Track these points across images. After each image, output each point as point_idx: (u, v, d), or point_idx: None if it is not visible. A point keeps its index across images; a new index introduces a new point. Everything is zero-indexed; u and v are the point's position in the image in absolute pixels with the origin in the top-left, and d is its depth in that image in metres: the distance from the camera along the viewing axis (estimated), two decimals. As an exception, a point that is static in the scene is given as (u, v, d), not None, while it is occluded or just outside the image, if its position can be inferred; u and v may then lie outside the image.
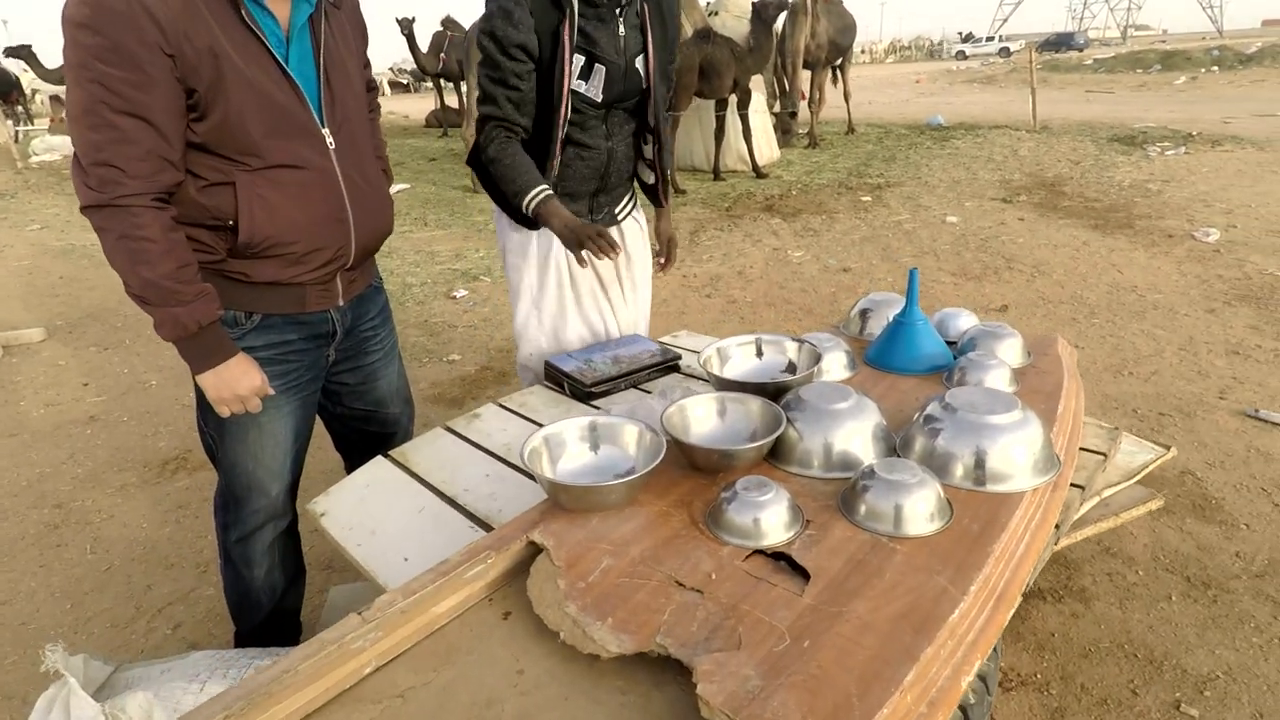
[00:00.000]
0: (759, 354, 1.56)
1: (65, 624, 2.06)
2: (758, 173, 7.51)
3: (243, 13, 1.18)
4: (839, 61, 9.91)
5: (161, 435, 3.07)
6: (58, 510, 2.60)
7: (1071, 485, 1.28)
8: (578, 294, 1.89)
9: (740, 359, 1.56)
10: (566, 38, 1.51)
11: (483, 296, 4.50)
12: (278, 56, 1.23)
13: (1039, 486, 1.14)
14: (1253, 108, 10.97)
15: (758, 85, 8.63)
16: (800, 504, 1.12)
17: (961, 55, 40.65)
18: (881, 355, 1.63)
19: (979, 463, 1.14)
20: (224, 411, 1.35)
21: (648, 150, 1.80)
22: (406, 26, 11.22)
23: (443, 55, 11.04)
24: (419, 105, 22.55)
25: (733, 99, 7.32)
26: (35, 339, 4.28)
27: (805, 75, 9.35)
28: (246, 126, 1.21)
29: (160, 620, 2.08)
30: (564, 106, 1.57)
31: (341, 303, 1.47)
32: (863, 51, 47.50)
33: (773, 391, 1.37)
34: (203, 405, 1.43)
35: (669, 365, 1.84)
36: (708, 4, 9.77)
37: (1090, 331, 3.41)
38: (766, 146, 8.34)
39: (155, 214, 1.18)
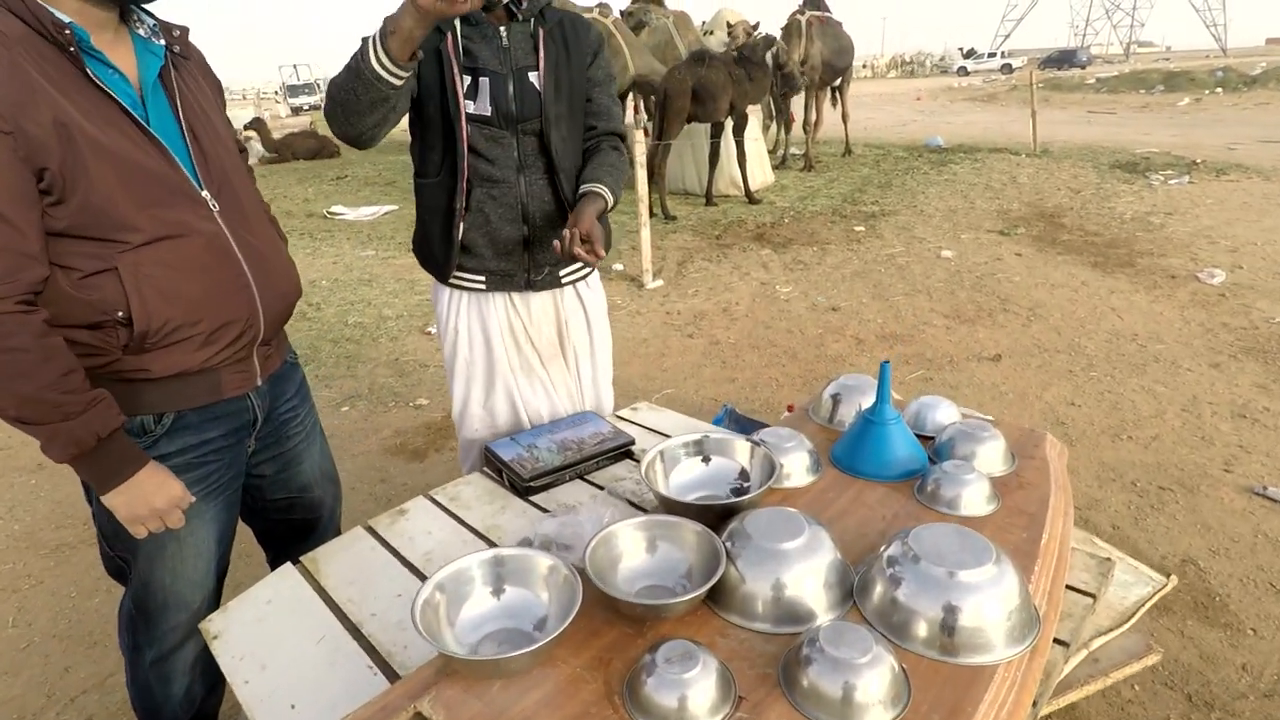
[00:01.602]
0: (705, 460, 1.40)
1: (-37, 720, 1.90)
2: (750, 199, 7.38)
3: (88, 73, 1.04)
4: (837, 82, 9.81)
5: (105, 489, 2.91)
6: (-17, 575, 2.44)
7: (1055, 642, 1.11)
8: (519, 366, 1.74)
9: (687, 465, 1.40)
10: (451, 54, 1.44)
11: (459, 332, 4.35)
12: (136, 117, 1.09)
13: (1015, 658, 0.98)
14: (1257, 133, 10.84)
15: (753, 109, 8.53)
16: (734, 671, 0.96)
17: (964, 71, 40.62)
18: (849, 456, 1.47)
19: (945, 627, 0.98)
20: (140, 532, 1.20)
21: (570, 199, 1.56)
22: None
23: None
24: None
25: (729, 123, 7.20)
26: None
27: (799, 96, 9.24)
28: (116, 200, 1.06)
29: (72, 712, 1.91)
30: (460, 129, 1.47)
31: (260, 382, 1.34)
32: (864, 66, 47.58)
33: (719, 514, 1.21)
34: (107, 527, 1.27)
35: (619, 452, 1.69)
36: (703, 23, 9.69)
37: (1088, 386, 3.25)
38: (760, 171, 8.22)
39: (22, 319, 1.02)
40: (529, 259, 1.62)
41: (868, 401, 1.62)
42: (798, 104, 9.42)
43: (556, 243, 1.43)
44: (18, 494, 2.91)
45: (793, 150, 9.97)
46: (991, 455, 1.43)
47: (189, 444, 1.26)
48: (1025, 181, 7.74)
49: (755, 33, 7.68)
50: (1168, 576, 1.43)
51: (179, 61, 1.22)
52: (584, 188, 1.55)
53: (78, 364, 1.08)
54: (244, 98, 36.84)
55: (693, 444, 1.42)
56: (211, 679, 1.50)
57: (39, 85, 0.99)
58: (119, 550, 1.31)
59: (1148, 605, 1.35)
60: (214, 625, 1.31)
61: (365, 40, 1.30)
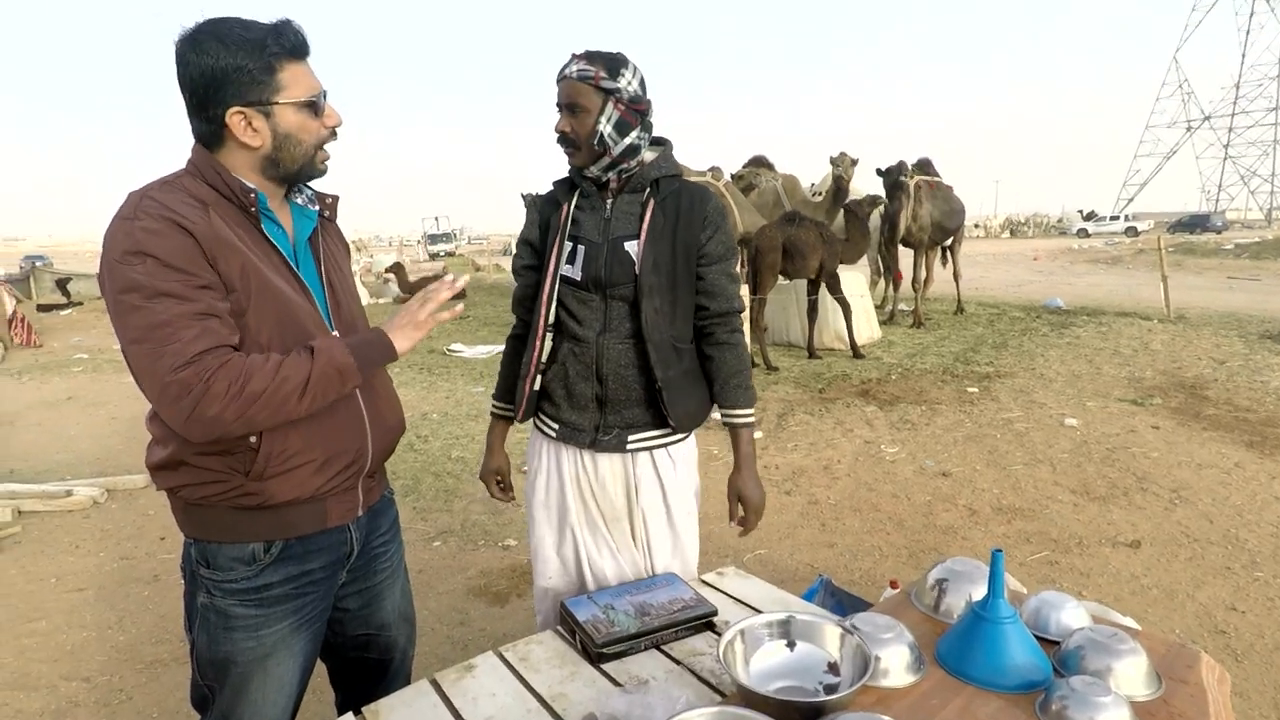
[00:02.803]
0: (790, 645, 1.28)
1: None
2: (856, 353, 7.30)
3: (261, 229, 1.25)
4: (948, 242, 9.83)
5: (206, 606, 3.02)
6: (84, 685, 2.53)
7: None
8: (585, 522, 1.71)
9: (771, 649, 1.28)
10: (560, 223, 1.60)
11: (554, 473, 4.39)
12: (291, 265, 1.28)
13: None
14: None
15: (859, 265, 8.65)
16: None
17: (1084, 233, 39.85)
18: (957, 657, 1.30)
19: None
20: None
21: (657, 369, 1.58)
22: (530, 201, 12.31)
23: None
24: (541, 266, 24.23)
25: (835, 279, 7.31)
26: (139, 484, 4.51)
27: (908, 254, 9.31)
28: (269, 330, 1.21)
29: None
30: (548, 287, 1.60)
31: (361, 513, 1.40)
32: (976, 226, 47.67)
33: (804, 714, 1.09)
34: (203, 655, 1.32)
35: (700, 622, 1.58)
36: (811, 185, 10.14)
37: (1252, 589, 2.81)
38: (867, 325, 8.17)
39: (246, 358, 1.16)
40: (601, 417, 1.64)
41: (978, 590, 1.46)
42: (907, 261, 9.46)
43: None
44: (130, 604, 3.06)
45: (901, 306, 9.90)
46: (1131, 673, 1.23)
47: (291, 574, 1.31)
48: (1159, 349, 7.25)
49: (855, 166, 8.02)
50: None
51: (324, 224, 1.42)
52: (724, 416, 1.69)
53: (288, 356, 1.18)
54: (389, 245, 41.27)
55: (777, 624, 1.31)
56: None
57: (229, 237, 1.18)
58: (208, 680, 1.34)
59: None
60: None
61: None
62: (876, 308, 9.19)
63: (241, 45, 1.17)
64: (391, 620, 1.57)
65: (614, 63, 1.49)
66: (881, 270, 10.43)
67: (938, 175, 9.59)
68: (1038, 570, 3.03)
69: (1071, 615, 1.41)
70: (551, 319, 1.62)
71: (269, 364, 1.15)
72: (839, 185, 8.21)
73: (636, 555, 1.71)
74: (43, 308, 14.26)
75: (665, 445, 1.68)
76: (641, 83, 1.53)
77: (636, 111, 1.52)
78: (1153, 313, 9.39)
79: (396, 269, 15.20)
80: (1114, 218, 44.36)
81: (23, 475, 4.73)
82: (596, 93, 1.48)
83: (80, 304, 14.96)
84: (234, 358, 1.13)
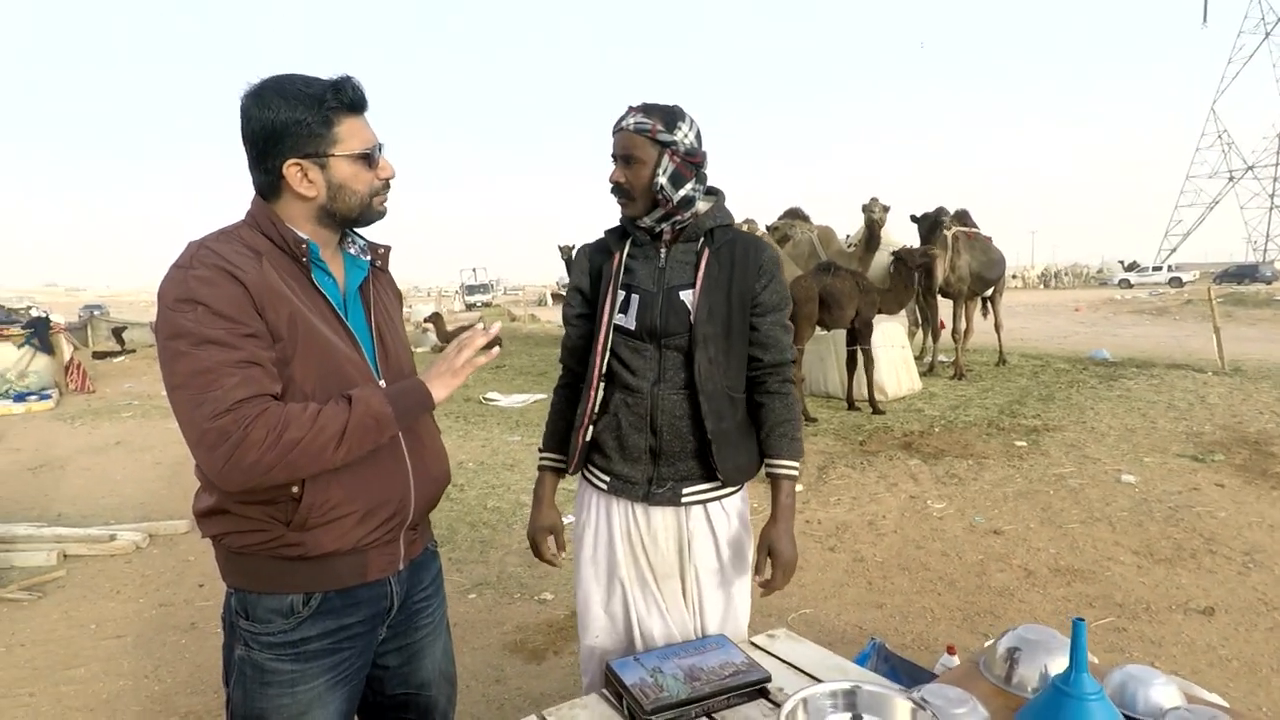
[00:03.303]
0: (857, 718, 1.20)
1: None
2: (875, 409, 7.07)
3: (311, 278, 1.25)
4: (989, 292, 9.69)
5: (242, 657, 2.99)
6: (117, 736, 2.50)
7: None
8: (635, 579, 1.64)
9: (835, 722, 1.20)
10: (612, 272, 1.59)
11: (591, 525, 4.33)
12: (340, 315, 1.29)
13: None
14: None
15: (898, 316, 8.55)
16: None
17: (1126, 284, 39.06)
18: (1037, 736, 1.20)
19: None
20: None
21: (708, 420, 1.54)
22: (567, 253, 12.52)
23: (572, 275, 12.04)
24: (575, 316, 24.49)
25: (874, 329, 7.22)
26: (180, 530, 4.55)
27: (946, 304, 9.19)
28: (314, 380, 1.21)
29: None
30: (602, 336, 1.58)
31: (402, 567, 1.38)
32: (1014, 276, 47.06)
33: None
34: (236, 710, 1.30)
35: (754, 689, 1.50)
36: (847, 237, 10.13)
37: (1343, 661, 2.61)
38: (907, 376, 8.03)
39: (286, 406, 1.15)
40: (654, 470, 1.60)
41: (1055, 662, 1.37)
42: (946, 312, 9.33)
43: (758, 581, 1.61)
44: (167, 653, 3.04)
45: (940, 357, 9.72)
46: (1236, 760, 1.12)
47: (329, 628, 1.28)
48: (1216, 402, 6.97)
49: (888, 213, 7.92)
50: None
51: (376, 274, 1.42)
52: (767, 465, 1.63)
53: (326, 405, 1.18)
54: (428, 295, 42.22)
55: (842, 695, 1.24)
56: None
57: (279, 287, 1.19)
58: None
59: None
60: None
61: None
62: (915, 359, 9.03)
63: (301, 100, 1.20)
64: (432, 679, 1.52)
65: (671, 115, 1.50)
66: (920, 321, 10.30)
67: (975, 226, 9.52)
68: (1104, 638, 2.85)
69: (1161, 693, 1.30)
70: (604, 368, 1.60)
71: (307, 412, 1.15)
72: (871, 231, 8.16)
73: (686, 615, 1.64)
74: (98, 355, 14.79)
75: (719, 499, 1.63)
76: (698, 135, 1.53)
77: (692, 164, 1.52)
78: (1206, 365, 9.06)
79: (435, 319, 15.49)
80: (1157, 268, 43.47)
81: (69, 519, 4.82)
82: (653, 145, 1.49)
83: (133, 351, 15.50)
84: (272, 406, 1.13)
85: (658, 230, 1.57)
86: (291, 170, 1.22)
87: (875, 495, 4.68)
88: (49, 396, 9.89)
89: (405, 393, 1.27)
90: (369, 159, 1.28)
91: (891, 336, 7.96)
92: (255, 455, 1.10)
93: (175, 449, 6.73)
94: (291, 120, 1.20)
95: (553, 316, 26.87)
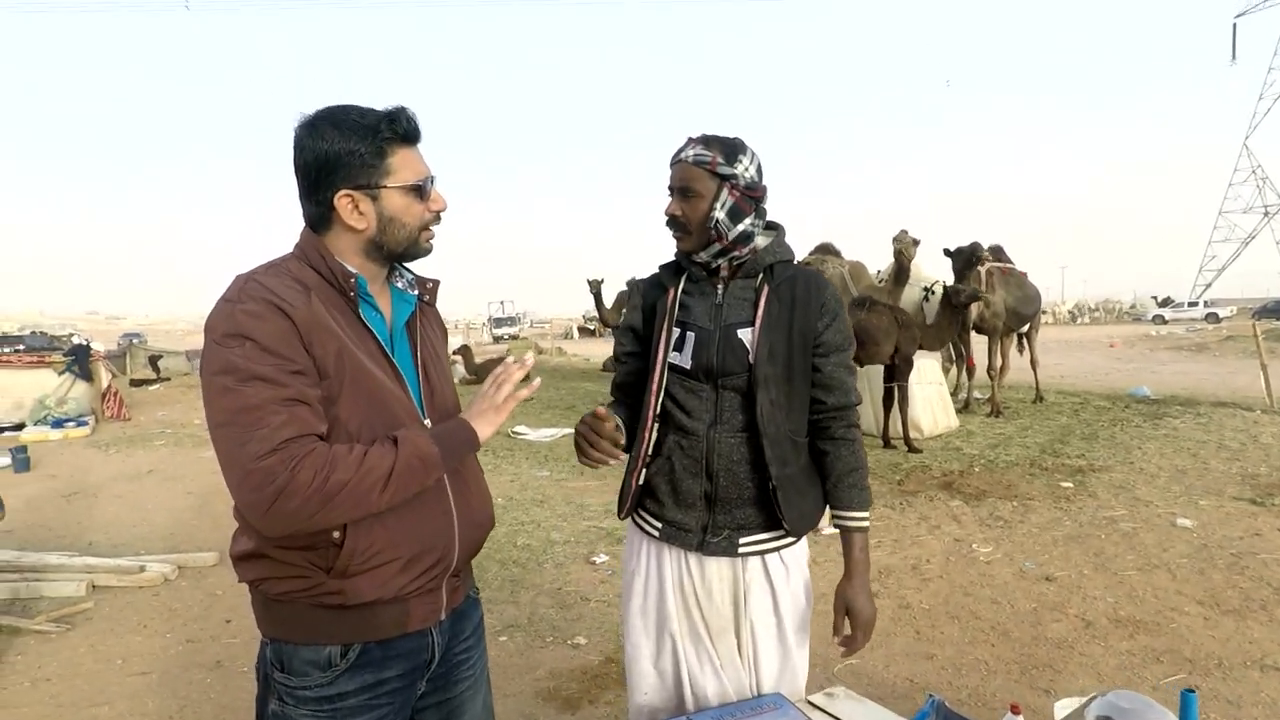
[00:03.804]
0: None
1: None
2: (910, 447, 6.88)
3: (358, 313, 1.21)
4: (1024, 329, 9.50)
5: (268, 698, 2.90)
6: (140, 780, 2.42)
7: None
8: (688, 633, 1.54)
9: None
10: (667, 308, 1.53)
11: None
12: (387, 351, 1.24)
13: None
14: None
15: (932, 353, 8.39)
16: None
17: (1160, 320, 38.25)
18: (1147, 822, 1.08)
19: None
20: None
21: (772, 466, 1.45)
22: (595, 286, 12.58)
23: (624, 310, 12.04)
24: (600, 349, 24.59)
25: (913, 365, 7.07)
26: (208, 562, 4.52)
27: (980, 341, 9.00)
28: (360, 418, 1.16)
29: None
30: (658, 374, 1.51)
31: (444, 616, 1.30)
32: (1044, 312, 46.39)
33: None
34: None
35: (819, 757, 1.38)
36: (878, 273, 10.02)
37: None
38: (944, 414, 7.84)
39: (330, 449, 1.11)
40: (710, 517, 1.51)
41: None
42: (980, 349, 9.14)
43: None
44: (192, 691, 2.98)
45: (975, 395, 9.50)
46: None
47: (367, 682, 1.21)
48: (1270, 442, 6.69)
49: (917, 247, 7.73)
50: None
51: (423, 309, 1.37)
52: (836, 518, 1.55)
53: (372, 447, 1.13)
54: (455, 327, 42.69)
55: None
56: None
57: (328, 322, 1.15)
58: None
59: None
60: None
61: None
62: (950, 395, 8.83)
63: (355, 130, 1.17)
64: None
65: (731, 148, 1.44)
66: (954, 357, 10.12)
67: (1010, 262, 9.38)
68: (1176, 696, 2.66)
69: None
70: (659, 408, 1.52)
71: (353, 454, 1.10)
72: (900, 265, 8.02)
73: (742, 673, 1.54)
74: (135, 382, 15.08)
75: (778, 549, 1.53)
76: (759, 169, 1.48)
77: (752, 199, 1.46)
78: (1254, 403, 8.75)
79: (464, 351, 15.55)
80: (1192, 304, 42.56)
81: (100, 547, 4.82)
82: (711, 178, 1.43)
83: (168, 379, 15.78)
84: (319, 446, 1.09)
85: (714, 265, 1.50)
86: (343, 201, 1.19)
87: (917, 538, 4.50)
88: (86, 423, 10.05)
89: (450, 432, 1.23)
90: (421, 191, 1.24)
91: (927, 373, 7.80)
92: (300, 500, 1.05)
93: (207, 479, 6.75)
94: (344, 150, 1.17)
95: (579, 350, 26.98)
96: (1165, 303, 44.76)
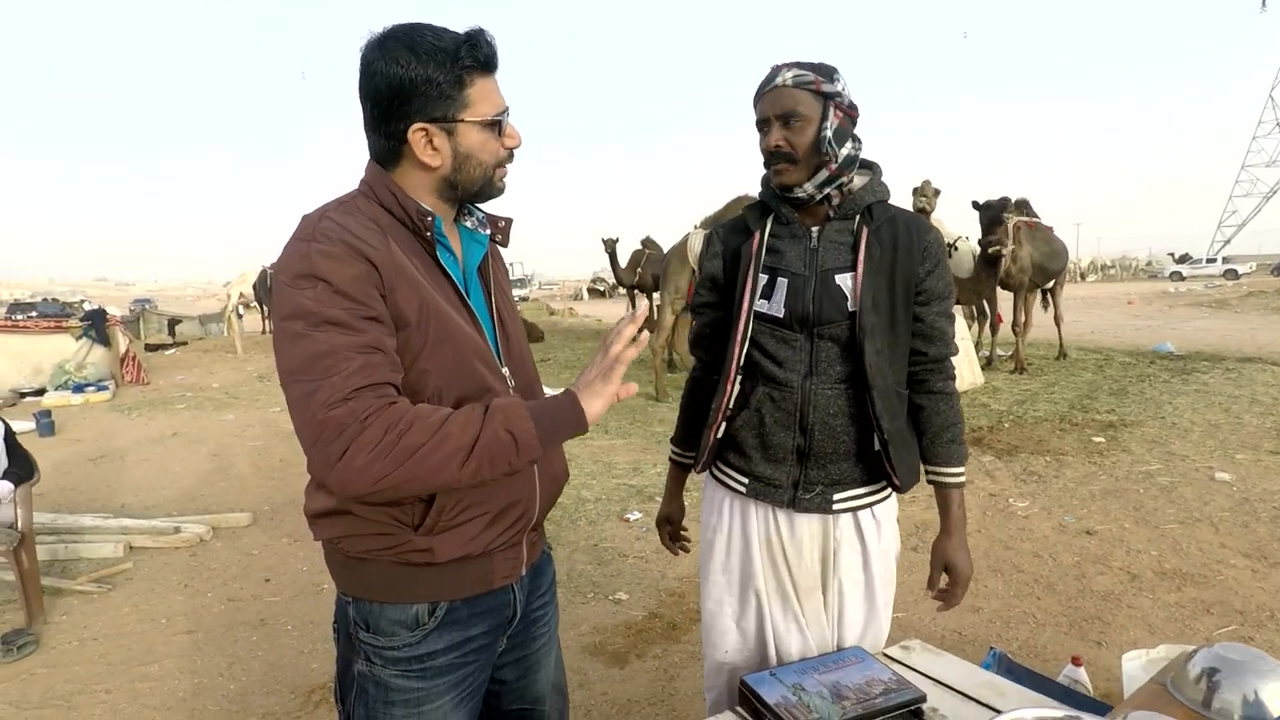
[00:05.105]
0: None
1: None
2: None
3: (435, 256, 1.13)
4: (1049, 285, 9.34)
5: (316, 654, 2.92)
6: (197, 735, 2.44)
7: None
8: (774, 590, 1.51)
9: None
10: (752, 253, 1.43)
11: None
12: (464, 297, 1.16)
13: None
14: None
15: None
16: None
17: (1178, 276, 37.72)
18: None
19: None
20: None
21: (883, 419, 1.38)
22: (610, 245, 12.39)
23: (639, 270, 11.90)
24: (612, 310, 24.48)
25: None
26: (242, 523, 4.54)
27: (1005, 297, 8.86)
28: (442, 373, 1.08)
29: None
30: (742, 324, 1.41)
31: (524, 571, 1.26)
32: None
33: None
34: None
35: (909, 709, 1.35)
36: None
37: None
38: (969, 371, 7.75)
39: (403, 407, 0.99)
40: (801, 473, 1.44)
41: (1269, 688, 1.20)
42: (1005, 304, 9.00)
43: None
44: (239, 649, 2.99)
45: (998, 351, 9.39)
46: None
47: (455, 640, 1.17)
48: (1303, 396, 6.60)
49: (938, 197, 7.62)
50: None
51: (493, 250, 1.28)
52: (932, 474, 1.48)
53: (458, 411, 1.01)
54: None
55: (1040, 725, 1.08)
56: None
57: (408, 268, 1.06)
58: None
59: None
60: None
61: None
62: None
63: (433, 55, 1.05)
64: (546, 693, 1.40)
65: (826, 69, 1.34)
66: (977, 313, 9.98)
67: (1037, 216, 9.17)
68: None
69: None
70: (743, 360, 1.44)
71: (434, 416, 0.98)
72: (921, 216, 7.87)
73: (826, 630, 1.50)
74: (150, 347, 15.12)
75: (871, 505, 1.47)
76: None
77: (852, 119, 1.37)
78: (1282, 358, 8.62)
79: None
80: (1210, 260, 41.91)
81: (132, 510, 4.84)
82: (816, 98, 1.33)
83: (184, 344, 15.81)
84: (400, 403, 0.99)
85: (817, 198, 1.38)
86: (417, 136, 1.08)
87: (951, 493, 4.47)
88: (106, 388, 10.09)
89: (552, 409, 1.06)
90: (498, 125, 1.13)
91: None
92: (368, 457, 0.94)
93: (229, 440, 6.78)
94: (421, 78, 1.05)
95: (590, 310, 26.84)
96: (1183, 259, 44.08)
